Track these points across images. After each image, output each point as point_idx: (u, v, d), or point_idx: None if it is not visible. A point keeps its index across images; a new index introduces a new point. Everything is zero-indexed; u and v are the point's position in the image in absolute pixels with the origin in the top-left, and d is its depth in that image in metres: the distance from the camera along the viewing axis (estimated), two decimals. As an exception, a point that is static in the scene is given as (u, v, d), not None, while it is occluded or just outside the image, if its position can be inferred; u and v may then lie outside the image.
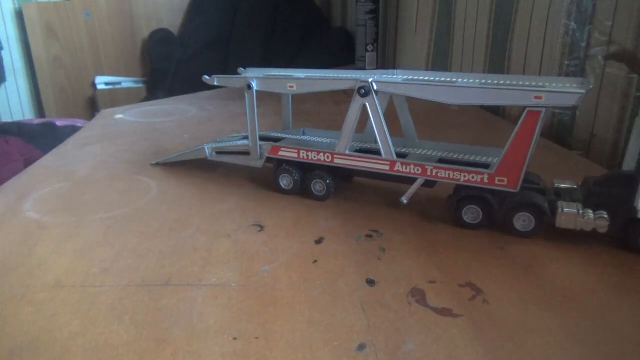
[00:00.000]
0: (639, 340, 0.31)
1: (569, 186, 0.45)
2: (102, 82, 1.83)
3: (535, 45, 0.77)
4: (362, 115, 0.48)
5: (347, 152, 0.49)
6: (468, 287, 0.37)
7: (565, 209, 0.41)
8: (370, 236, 0.45)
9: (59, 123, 1.37)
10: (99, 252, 0.43)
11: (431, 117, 0.84)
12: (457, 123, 0.82)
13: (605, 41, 0.64)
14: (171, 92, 1.61)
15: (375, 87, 0.46)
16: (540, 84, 0.44)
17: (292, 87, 0.51)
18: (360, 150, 0.52)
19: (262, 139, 0.56)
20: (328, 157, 0.50)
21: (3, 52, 1.72)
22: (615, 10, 0.61)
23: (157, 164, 0.64)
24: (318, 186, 0.52)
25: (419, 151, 0.52)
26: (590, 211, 0.41)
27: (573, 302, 0.35)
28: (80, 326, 0.33)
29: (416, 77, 0.50)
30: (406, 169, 0.47)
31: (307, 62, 1.59)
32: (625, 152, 0.60)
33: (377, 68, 1.31)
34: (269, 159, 0.55)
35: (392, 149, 0.47)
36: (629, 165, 0.58)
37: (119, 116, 0.93)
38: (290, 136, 0.59)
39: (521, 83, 0.44)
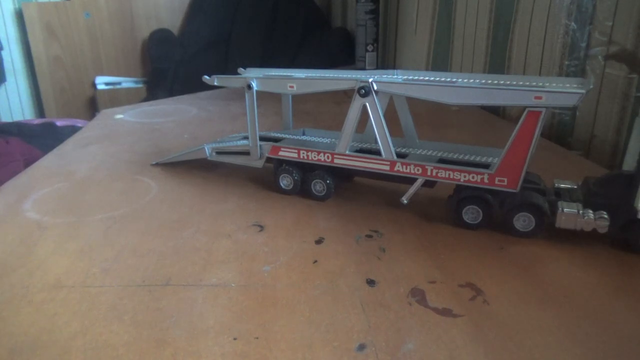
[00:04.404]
0: (639, 340, 0.31)
1: (569, 186, 0.45)
2: (102, 82, 1.83)
3: (535, 45, 0.77)
4: (362, 115, 0.48)
5: (347, 152, 0.49)
6: (468, 287, 0.37)
7: (565, 209, 0.41)
8: (370, 236, 0.45)
9: (59, 123, 1.37)
10: (99, 252, 0.43)
11: (431, 117, 0.84)
12: (457, 123, 0.82)
13: (605, 41, 0.64)
14: (171, 92, 1.61)
15: (375, 87, 0.46)
16: (540, 84, 0.44)
17: (292, 87, 0.51)
18: (360, 150, 0.52)
19: (262, 139, 0.56)
20: (328, 157, 0.50)
21: (3, 52, 1.72)
22: (615, 10, 0.61)
23: (157, 164, 0.64)
24: (318, 186, 0.52)
25: (419, 151, 0.52)
26: (590, 211, 0.41)
27: (573, 302, 0.35)
28: (80, 326, 0.33)
29: (416, 77, 0.50)
30: (406, 169, 0.47)
31: (307, 62, 1.59)
32: (625, 152, 0.60)
33: (377, 68, 1.31)
34: (269, 159, 0.55)
35: (392, 149, 0.47)
36: (629, 165, 0.58)
37: (119, 116, 0.93)
38: (290, 136, 0.59)
39: (521, 83, 0.44)
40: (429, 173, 0.46)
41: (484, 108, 0.90)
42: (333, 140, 0.57)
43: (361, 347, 0.31)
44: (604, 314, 0.34)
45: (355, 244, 0.43)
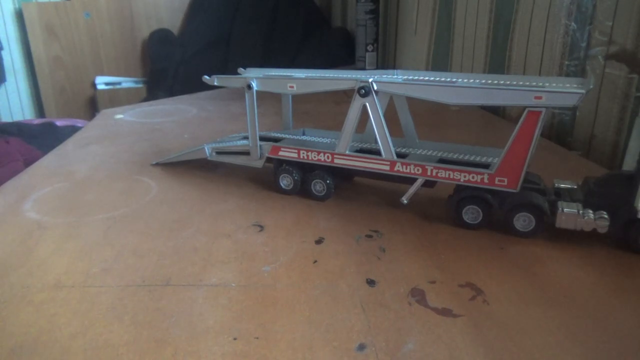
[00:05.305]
0: (639, 340, 0.31)
1: (569, 186, 0.45)
2: (102, 82, 1.83)
3: (535, 45, 0.77)
4: (362, 115, 0.48)
5: (347, 152, 0.49)
6: (468, 287, 0.37)
7: (565, 209, 0.41)
8: (370, 236, 0.45)
9: (59, 123, 1.37)
10: (99, 252, 0.43)
11: (431, 117, 0.84)
12: (457, 123, 0.82)
13: (605, 41, 0.64)
14: (171, 92, 1.62)
15: (375, 87, 0.46)
16: (540, 84, 0.44)
17: (292, 87, 0.51)
18: (360, 150, 0.52)
19: (262, 139, 0.56)
20: (328, 157, 0.50)
21: (3, 52, 1.72)
22: (615, 10, 0.61)
23: (157, 164, 0.64)
24: (318, 186, 0.52)
25: (419, 151, 0.52)
26: (590, 211, 0.41)
27: (573, 302, 0.35)
28: (80, 326, 0.33)
29: (416, 77, 0.50)
30: (406, 169, 0.47)
31: (307, 62, 1.59)
32: (625, 152, 0.60)
33: (377, 68, 1.31)
34: (269, 159, 0.55)
35: (392, 149, 0.47)
36: (629, 165, 0.58)
37: (119, 116, 0.93)
38: (290, 136, 0.59)
39: (521, 83, 0.44)
40: (429, 173, 0.46)
41: (484, 108, 0.90)
42: (333, 140, 0.57)
43: (361, 347, 0.31)
44: (604, 314, 0.34)
45: (355, 244, 0.43)
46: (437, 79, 0.49)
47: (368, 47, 1.29)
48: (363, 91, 0.47)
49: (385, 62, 1.37)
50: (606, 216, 0.40)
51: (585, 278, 0.38)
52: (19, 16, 1.72)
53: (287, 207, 0.51)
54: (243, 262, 0.41)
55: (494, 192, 0.44)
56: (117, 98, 1.81)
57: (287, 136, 0.59)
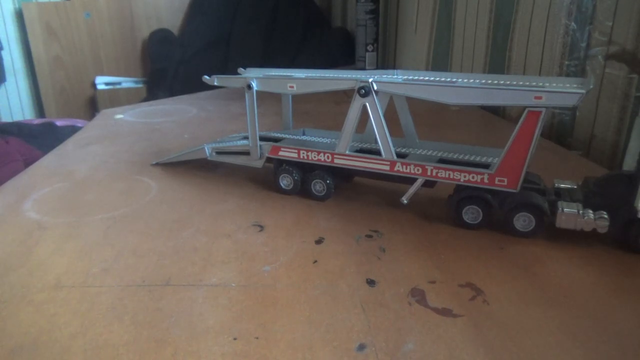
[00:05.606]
0: (639, 340, 0.31)
1: (569, 186, 0.45)
2: (102, 82, 1.83)
3: (535, 45, 0.77)
4: (362, 115, 0.48)
5: (347, 152, 0.49)
6: (468, 287, 0.37)
7: (565, 209, 0.41)
8: (370, 236, 0.45)
9: (59, 123, 1.37)
10: (99, 252, 0.43)
11: (431, 117, 0.84)
12: (457, 123, 0.82)
13: (605, 41, 0.64)
14: (171, 92, 1.62)
15: (375, 87, 0.47)
16: (540, 84, 0.44)
17: (292, 87, 0.51)
18: (361, 150, 0.52)
19: (262, 139, 0.56)
20: (328, 157, 0.50)
21: (3, 52, 1.72)
22: (615, 10, 0.61)
23: (157, 164, 0.64)
24: (318, 186, 0.52)
25: (419, 151, 0.52)
26: (590, 211, 0.41)
27: (573, 302, 0.35)
28: (80, 326, 0.33)
29: (416, 77, 0.50)
30: (406, 169, 0.47)
31: (307, 62, 1.59)
32: (625, 152, 0.60)
33: (377, 68, 1.31)
34: (269, 159, 0.55)
35: (392, 149, 0.47)
36: (629, 165, 0.58)
37: (119, 116, 0.93)
38: (290, 136, 0.59)
39: (521, 83, 0.44)
40: (429, 173, 0.46)
41: (484, 108, 0.90)
42: (333, 140, 0.57)
43: (361, 347, 0.31)
44: (604, 314, 0.34)
45: (355, 244, 0.43)
46: (437, 79, 0.49)
47: (368, 47, 1.29)
48: (363, 91, 0.47)
49: (385, 62, 1.37)
50: (606, 216, 0.40)
51: (585, 278, 0.38)
52: (19, 16, 1.72)
53: (287, 207, 0.51)
54: (243, 262, 0.41)
55: (494, 192, 0.44)
56: (117, 98, 1.81)
57: (287, 136, 0.59)
